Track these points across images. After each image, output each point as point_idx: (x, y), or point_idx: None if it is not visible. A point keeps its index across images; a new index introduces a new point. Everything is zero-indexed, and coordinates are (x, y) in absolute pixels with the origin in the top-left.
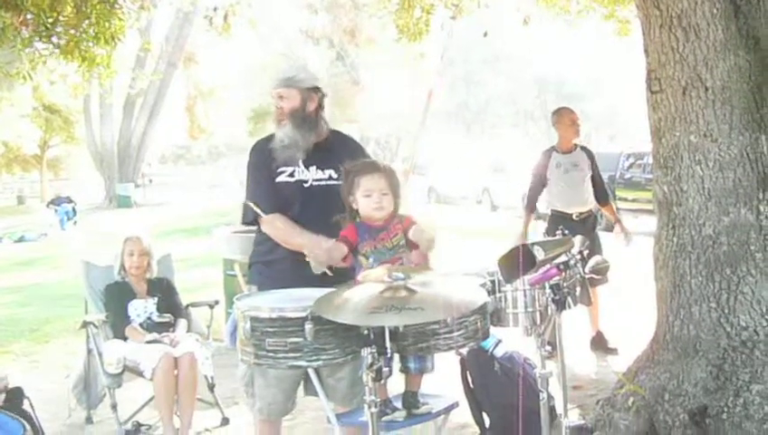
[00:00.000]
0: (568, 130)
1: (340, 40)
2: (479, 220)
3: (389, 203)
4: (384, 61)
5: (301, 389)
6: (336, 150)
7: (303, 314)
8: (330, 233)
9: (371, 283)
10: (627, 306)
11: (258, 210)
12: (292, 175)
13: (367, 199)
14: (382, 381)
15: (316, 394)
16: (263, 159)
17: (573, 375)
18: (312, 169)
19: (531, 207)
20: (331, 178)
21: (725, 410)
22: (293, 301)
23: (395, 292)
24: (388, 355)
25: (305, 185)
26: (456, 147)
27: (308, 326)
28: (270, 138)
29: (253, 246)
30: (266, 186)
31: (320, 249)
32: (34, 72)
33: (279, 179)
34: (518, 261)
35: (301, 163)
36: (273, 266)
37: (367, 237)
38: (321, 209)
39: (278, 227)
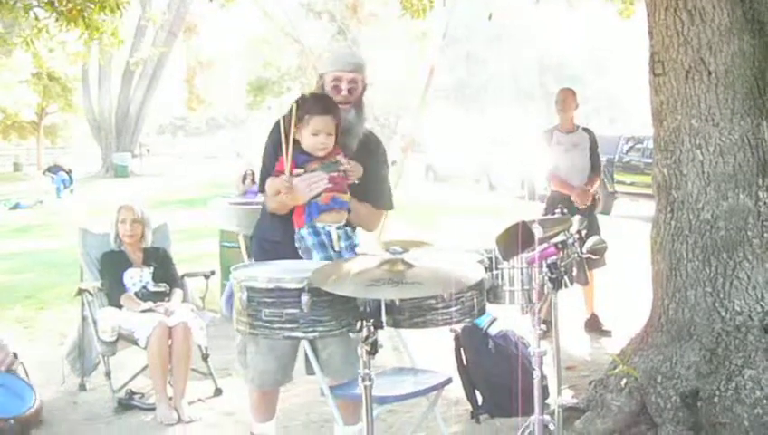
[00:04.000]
0: (571, 109)
1: (342, 15)
2: (477, 199)
3: (331, 143)
4: (386, 37)
5: (301, 366)
6: (362, 146)
7: (300, 286)
8: None
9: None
10: (622, 290)
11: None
12: None
13: (313, 138)
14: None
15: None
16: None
17: (567, 356)
18: None
19: (557, 177)
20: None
21: (717, 393)
22: (291, 272)
23: (392, 265)
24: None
25: None
26: (455, 125)
27: (305, 298)
28: None
29: (258, 221)
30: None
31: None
32: (37, 38)
33: None
34: (516, 238)
35: None
36: (275, 244)
37: (310, 160)
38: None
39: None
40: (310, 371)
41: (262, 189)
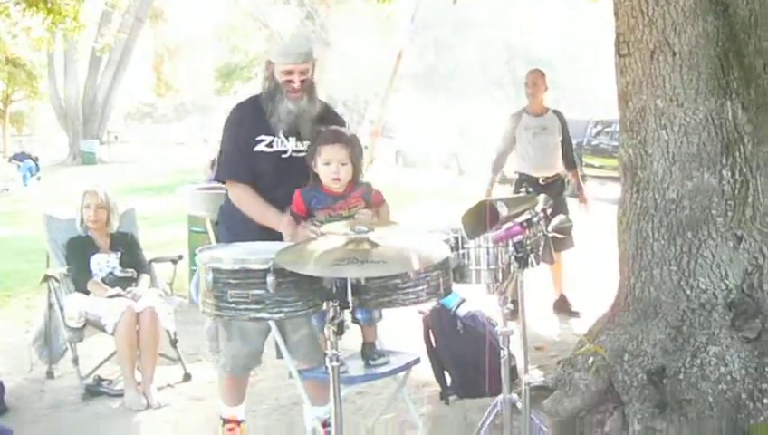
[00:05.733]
0: (540, 92)
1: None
2: (446, 184)
3: (348, 173)
4: (354, 22)
5: (272, 350)
6: (319, 122)
7: (266, 266)
8: None
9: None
10: (590, 271)
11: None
12: (270, 145)
13: (326, 168)
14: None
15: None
16: (243, 123)
17: (536, 337)
18: (292, 139)
19: (497, 168)
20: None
21: (683, 370)
22: (256, 253)
23: (357, 244)
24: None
25: (283, 156)
26: (424, 111)
27: (270, 278)
28: (255, 101)
29: (222, 204)
30: (242, 153)
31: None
32: None
33: (257, 149)
34: (482, 217)
35: (281, 133)
36: (242, 225)
37: (323, 204)
38: (295, 180)
39: (244, 198)
40: (280, 355)
41: (221, 178)
